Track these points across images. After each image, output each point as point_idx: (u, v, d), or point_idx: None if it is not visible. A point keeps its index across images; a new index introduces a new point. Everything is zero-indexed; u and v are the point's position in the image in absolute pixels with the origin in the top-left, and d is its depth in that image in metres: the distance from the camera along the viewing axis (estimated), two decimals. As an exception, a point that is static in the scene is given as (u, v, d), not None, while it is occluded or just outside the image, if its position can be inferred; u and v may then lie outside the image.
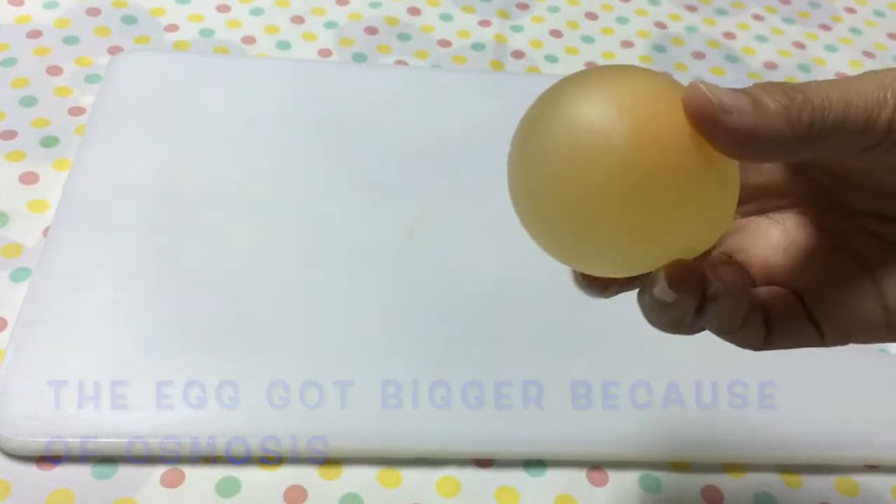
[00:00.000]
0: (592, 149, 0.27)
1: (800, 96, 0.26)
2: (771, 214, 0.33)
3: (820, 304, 0.31)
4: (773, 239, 0.32)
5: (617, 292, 0.32)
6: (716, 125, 0.26)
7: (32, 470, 0.43)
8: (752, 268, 0.32)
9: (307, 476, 0.44)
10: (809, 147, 0.27)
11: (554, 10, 0.76)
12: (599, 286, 0.32)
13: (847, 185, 0.31)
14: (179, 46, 0.66)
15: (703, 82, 0.26)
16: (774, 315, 0.31)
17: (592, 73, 0.29)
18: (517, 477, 0.45)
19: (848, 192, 0.31)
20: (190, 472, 0.44)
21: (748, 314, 0.30)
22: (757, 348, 0.31)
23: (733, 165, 0.29)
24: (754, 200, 0.33)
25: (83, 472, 0.43)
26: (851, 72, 0.74)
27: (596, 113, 0.27)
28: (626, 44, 0.74)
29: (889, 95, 0.27)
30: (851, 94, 0.27)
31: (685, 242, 0.29)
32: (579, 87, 0.29)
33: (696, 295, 0.29)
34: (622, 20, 0.76)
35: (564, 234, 0.29)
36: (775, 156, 0.27)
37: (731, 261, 0.32)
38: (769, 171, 0.33)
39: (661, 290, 0.29)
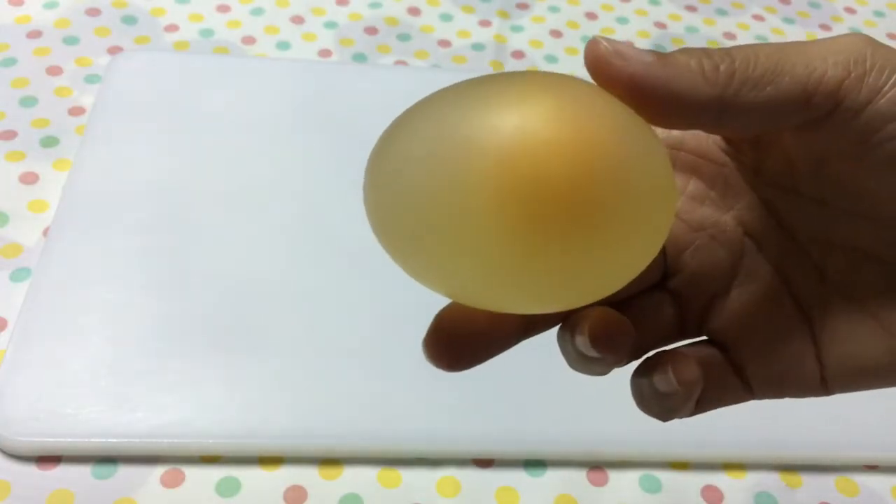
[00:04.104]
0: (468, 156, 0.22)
1: (720, 53, 0.24)
2: (713, 232, 0.29)
3: (751, 356, 0.28)
4: (719, 269, 0.28)
5: (476, 363, 0.27)
6: (611, 70, 0.23)
7: (32, 470, 0.43)
8: (692, 301, 0.29)
9: (307, 476, 0.44)
10: (734, 107, 0.24)
11: (554, 10, 0.76)
12: (452, 357, 0.26)
13: (796, 199, 0.27)
14: (179, 46, 0.66)
15: (603, 37, 0.24)
16: (709, 383, 0.27)
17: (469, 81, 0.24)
18: (517, 477, 0.45)
19: (796, 209, 0.28)
20: (190, 472, 0.44)
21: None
22: (687, 416, 0.28)
23: (666, 181, 0.24)
24: (697, 208, 0.29)
25: (83, 472, 0.43)
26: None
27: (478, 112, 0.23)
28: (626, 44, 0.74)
29: (841, 58, 0.24)
30: (789, 52, 0.24)
31: (602, 278, 0.24)
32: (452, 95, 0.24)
33: (625, 355, 0.26)
34: (622, 20, 0.76)
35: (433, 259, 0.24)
36: (692, 115, 0.24)
37: (693, 356, 0.27)
38: (711, 177, 0.29)
39: (582, 343, 0.25)
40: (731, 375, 0.28)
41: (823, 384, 0.27)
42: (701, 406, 0.28)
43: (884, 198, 0.25)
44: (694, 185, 0.29)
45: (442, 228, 0.23)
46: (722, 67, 0.23)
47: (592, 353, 0.25)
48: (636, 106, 0.24)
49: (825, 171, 0.26)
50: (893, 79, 0.23)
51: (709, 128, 0.26)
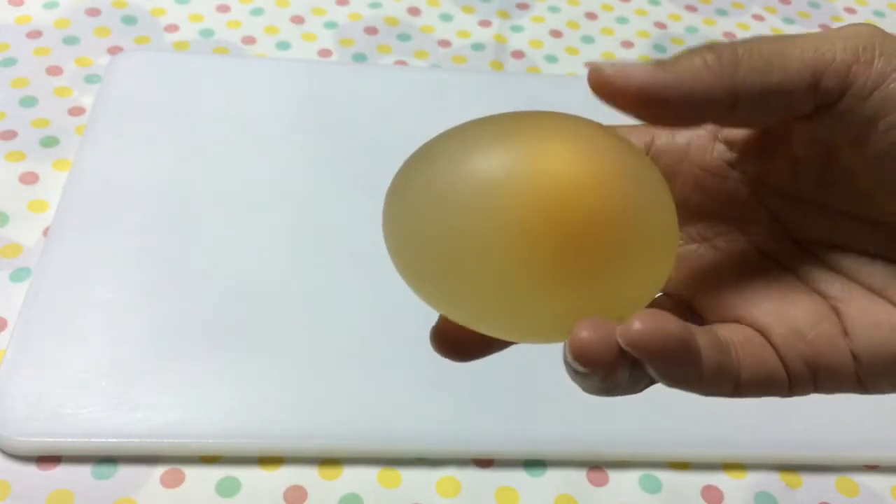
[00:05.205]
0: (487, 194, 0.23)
1: (723, 45, 0.24)
2: (715, 242, 0.28)
3: (780, 331, 0.26)
4: (725, 274, 0.28)
5: (482, 355, 0.27)
6: (616, 89, 0.24)
7: (32, 470, 0.43)
8: (699, 308, 0.28)
9: (307, 476, 0.44)
10: (743, 94, 0.24)
11: (554, 10, 0.76)
12: (458, 352, 0.27)
13: (800, 207, 0.27)
14: (179, 46, 0.66)
15: (602, 62, 0.25)
16: (748, 359, 0.25)
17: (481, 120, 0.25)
18: (517, 477, 0.45)
19: (801, 217, 0.27)
20: (190, 472, 0.44)
21: (719, 360, 0.25)
22: (726, 395, 0.26)
23: (669, 217, 0.25)
24: (697, 222, 0.29)
25: (83, 472, 0.43)
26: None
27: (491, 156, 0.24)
28: (626, 44, 0.74)
29: (850, 43, 0.24)
30: (795, 39, 0.24)
31: (616, 310, 0.24)
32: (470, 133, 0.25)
33: (615, 365, 0.24)
34: (622, 20, 0.76)
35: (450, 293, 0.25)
36: (704, 110, 0.24)
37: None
38: (714, 190, 0.28)
39: (567, 354, 0.24)
40: (777, 361, 0.26)
41: (859, 380, 0.26)
42: (746, 388, 0.25)
43: (887, 191, 0.25)
44: (697, 199, 0.28)
45: (462, 262, 0.24)
46: (725, 58, 0.24)
47: (578, 366, 0.24)
48: (650, 114, 0.24)
49: (830, 168, 0.26)
50: None
51: (722, 120, 0.26)
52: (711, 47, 0.24)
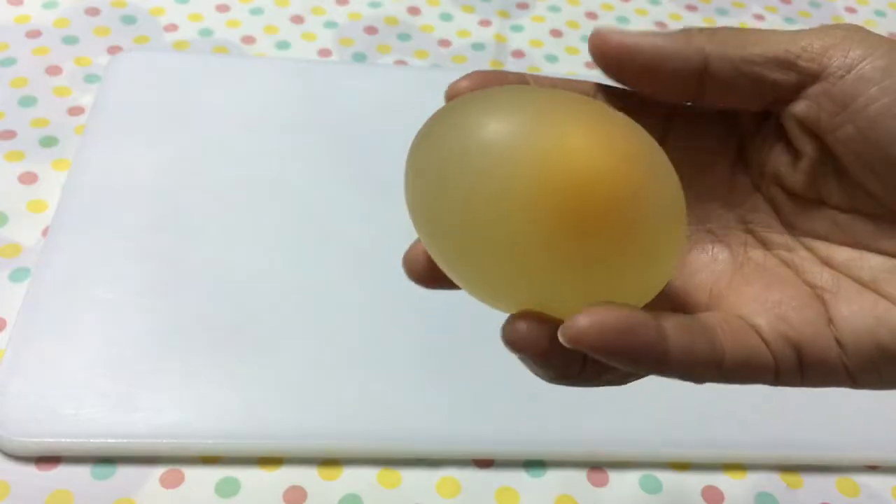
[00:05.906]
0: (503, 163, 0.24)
1: (712, 27, 0.27)
2: (714, 229, 0.29)
3: (764, 317, 0.26)
4: (718, 262, 0.28)
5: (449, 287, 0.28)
6: (611, 47, 0.26)
7: (32, 470, 0.43)
8: (689, 296, 0.28)
9: (307, 476, 0.44)
10: (712, 61, 0.25)
11: (554, 9, 0.75)
12: (429, 280, 0.28)
13: (797, 200, 0.28)
14: (179, 46, 0.66)
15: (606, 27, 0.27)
16: (729, 340, 0.25)
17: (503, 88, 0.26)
18: (517, 477, 0.45)
19: (797, 210, 0.28)
20: (190, 472, 0.44)
21: (691, 342, 0.25)
22: (711, 380, 0.26)
23: (680, 204, 0.25)
24: (696, 205, 0.29)
25: (82, 472, 0.43)
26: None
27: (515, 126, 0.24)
28: (626, 43, 0.74)
29: (831, 32, 0.25)
30: (778, 31, 0.26)
31: (627, 297, 0.25)
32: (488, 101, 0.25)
33: (549, 352, 0.25)
34: (622, 20, 0.76)
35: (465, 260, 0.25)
36: (667, 73, 0.26)
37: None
38: (714, 176, 0.29)
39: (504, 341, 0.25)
40: (763, 349, 0.26)
41: (849, 373, 0.26)
42: (728, 373, 0.25)
43: (874, 175, 0.25)
44: (701, 185, 0.29)
45: (470, 225, 0.24)
46: (706, 30, 0.26)
47: (511, 349, 0.25)
48: (636, 77, 0.26)
49: (825, 161, 0.26)
50: (880, 51, 0.25)
51: (696, 89, 0.27)
52: (701, 28, 0.26)
